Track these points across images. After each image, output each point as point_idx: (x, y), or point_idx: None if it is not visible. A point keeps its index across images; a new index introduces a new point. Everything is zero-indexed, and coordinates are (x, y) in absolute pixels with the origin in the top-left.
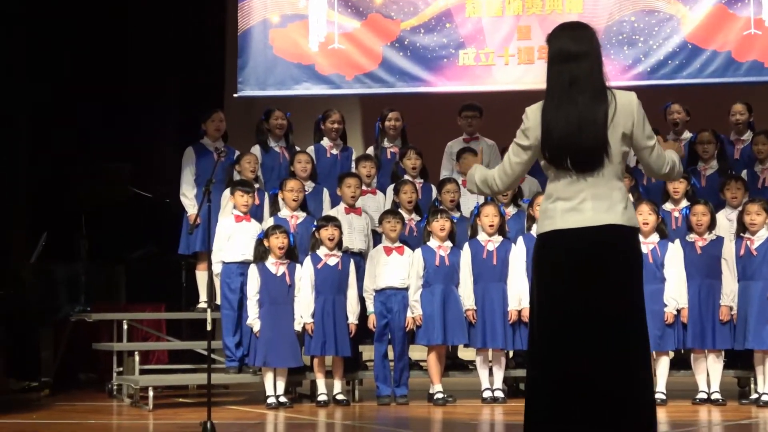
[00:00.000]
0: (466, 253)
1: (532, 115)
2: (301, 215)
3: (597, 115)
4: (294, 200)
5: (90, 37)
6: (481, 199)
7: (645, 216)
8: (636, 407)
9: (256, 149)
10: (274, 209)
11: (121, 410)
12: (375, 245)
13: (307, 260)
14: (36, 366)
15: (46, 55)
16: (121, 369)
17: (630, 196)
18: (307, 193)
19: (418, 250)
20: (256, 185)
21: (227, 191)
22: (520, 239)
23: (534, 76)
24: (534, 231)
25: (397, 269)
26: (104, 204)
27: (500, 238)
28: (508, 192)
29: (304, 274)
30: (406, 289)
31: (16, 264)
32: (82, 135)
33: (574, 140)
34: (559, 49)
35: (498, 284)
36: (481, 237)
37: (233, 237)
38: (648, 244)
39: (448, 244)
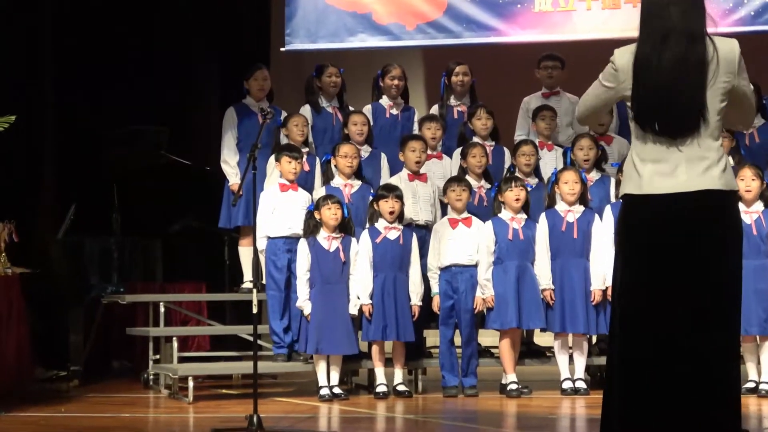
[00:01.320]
0: (542, 226)
1: (622, 58)
2: (357, 183)
3: (694, 71)
4: (349, 167)
5: None
6: (560, 163)
7: (747, 182)
8: (721, 399)
9: (306, 110)
10: (327, 177)
11: (158, 402)
12: (443, 216)
13: (365, 234)
14: (65, 353)
15: (71, 5)
16: (158, 356)
17: (729, 158)
18: (363, 158)
19: (489, 223)
20: (306, 150)
21: (273, 157)
22: (607, 209)
23: (621, 23)
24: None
25: (465, 244)
26: (138, 173)
27: (582, 208)
28: (589, 127)
29: (361, 250)
30: (475, 266)
31: (42, 239)
32: (112, 95)
33: (667, 101)
34: None
35: (579, 260)
36: (560, 207)
37: (279, 208)
38: (751, 213)
39: (523, 215)
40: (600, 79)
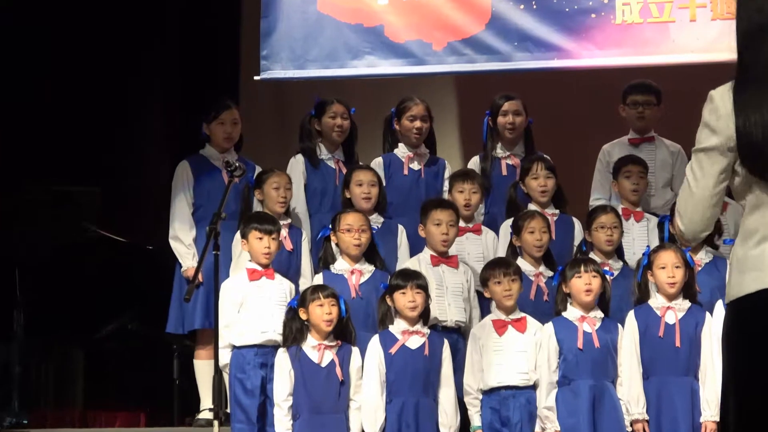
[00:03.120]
0: (630, 329)
1: (721, 99)
2: (368, 269)
3: None
4: (355, 245)
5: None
6: (654, 239)
7: None
8: None
9: (297, 163)
10: (326, 259)
11: None
12: (483, 316)
13: (374, 342)
14: None
15: None
16: None
17: None
18: (373, 231)
19: (550, 325)
20: (285, 222)
21: (239, 233)
22: (720, 305)
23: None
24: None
25: (516, 356)
26: (53, 252)
27: (687, 304)
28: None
29: (368, 364)
30: (533, 387)
31: None
32: (23, 141)
33: None
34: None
35: (683, 379)
36: (656, 302)
37: (248, 305)
38: None
39: (598, 313)
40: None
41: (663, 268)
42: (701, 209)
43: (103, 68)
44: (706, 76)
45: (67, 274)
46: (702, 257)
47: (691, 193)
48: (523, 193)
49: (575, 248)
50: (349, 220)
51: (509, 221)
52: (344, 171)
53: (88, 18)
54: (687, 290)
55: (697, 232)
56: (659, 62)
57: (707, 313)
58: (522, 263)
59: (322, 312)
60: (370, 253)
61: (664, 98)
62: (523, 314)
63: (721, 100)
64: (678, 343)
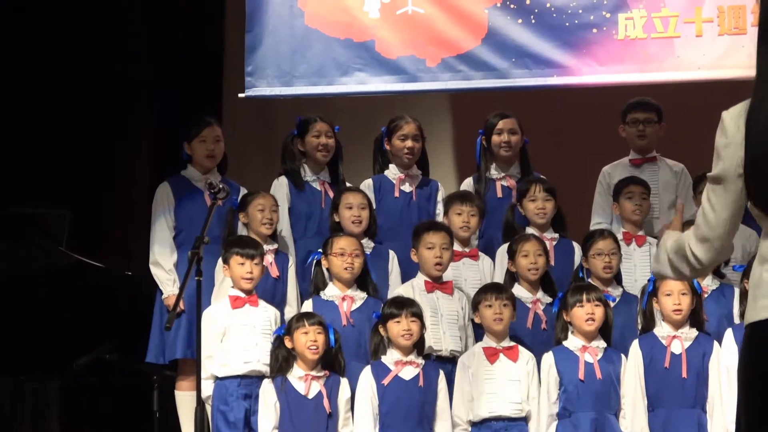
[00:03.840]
0: (634, 359)
1: (732, 123)
2: (360, 296)
3: None
4: (348, 270)
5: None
6: None
7: None
8: None
9: (280, 185)
10: (316, 285)
11: None
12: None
13: (365, 373)
14: None
15: None
16: None
17: None
18: (367, 257)
19: (550, 355)
20: (271, 247)
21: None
22: (728, 334)
23: (748, 56)
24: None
25: (509, 386)
26: (24, 279)
27: (694, 333)
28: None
29: (360, 396)
30: (525, 420)
31: None
32: None
33: None
34: None
35: (690, 412)
36: (661, 331)
37: (231, 334)
38: None
39: (601, 343)
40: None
41: (669, 295)
42: (719, 241)
43: (75, 83)
44: (712, 94)
45: (41, 301)
46: (708, 284)
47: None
48: (521, 216)
49: (573, 274)
50: (342, 243)
51: (506, 246)
52: (330, 193)
53: (58, 30)
54: (694, 318)
55: (712, 264)
56: (663, 79)
57: (715, 343)
58: (518, 290)
59: (307, 340)
60: (362, 280)
61: (668, 117)
62: (514, 343)
63: (731, 122)
64: (684, 374)
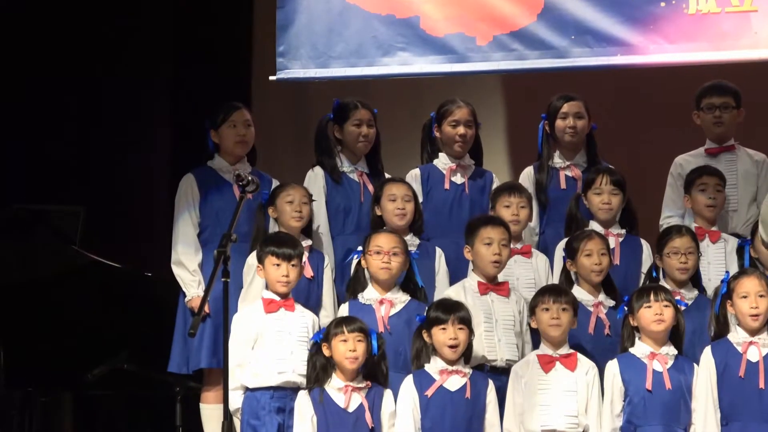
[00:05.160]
0: (706, 368)
1: None
2: (402, 299)
3: None
4: (386, 269)
5: None
6: (733, 264)
7: None
8: None
9: (316, 177)
10: (354, 288)
11: None
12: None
13: (407, 383)
14: None
15: None
16: None
17: None
18: (414, 256)
19: (614, 363)
20: (307, 243)
21: (252, 256)
22: None
23: None
24: None
25: (564, 397)
26: (35, 281)
27: None
28: None
29: (402, 409)
30: None
31: None
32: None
33: None
34: None
35: None
36: (736, 337)
37: (264, 341)
38: None
39: (671, 350)
40: None
41: (745, 297)
42: None
43: (89, 68)
44: None
45: (54, 306)
46: None
47: None
48: (585, 210)
49: (643, 275)
50: (380, 241)
51: (563, 242)
52: (369, 185)
53: (73, 14)
54: None
55: None
56: (739, 58)
57: None
58: (578, 291)
59: (346, 349)
60: (406, 282)
61: (746, 102)
62: (572, 350)
63: None
64: (762, 385)
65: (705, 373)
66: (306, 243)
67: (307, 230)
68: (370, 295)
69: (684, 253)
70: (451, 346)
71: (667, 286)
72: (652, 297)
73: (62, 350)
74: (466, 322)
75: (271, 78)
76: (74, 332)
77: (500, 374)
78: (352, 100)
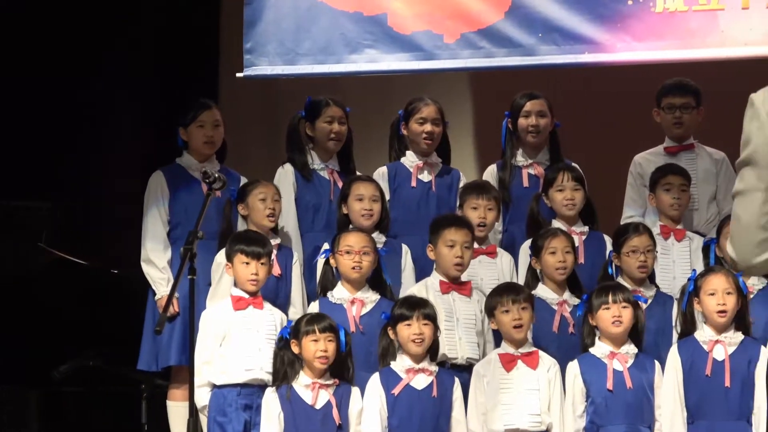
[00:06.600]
0: (673, 366)
1: (763, 104)
2: (371, 298)
3: None
4: (356, 269)
5: None
6: (698, 262)
7: None
8: None
9: (286, 174)
10: (324, 286)
11: None
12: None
13: (374, 381)
14: None
15: None
16: None
17: None
18: (382, 255)
19: (574, 364)
20: (276, 241)
21: (221, 254)
22: None
23: None
24: None
25: (527, 396)
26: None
27: (739, 336)
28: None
29: (369, 407)
30: None
31: None
32: None
33: None
34: None
35: (734, 424)
36: (702, 335)
37: (232, 338)
38: None
39: (631, 348)
40: (738, 162)
41: (712, 294)
42: (748, 232)
43: (57, 66)
44: (760, 73)
45: (17, 304)
46: (754, 283)
47: (737, 216)
48: (546, 208)
49: (602, 269)
50: (350, 240)
51: (529, 242)
52: (339, 183)
53: (43, 13)
54: (739, 321)
55: (748, 259)
56: (706, 56)
57: (762, 348)
58: (543, 290)
59: (316, 348)
60: (375, 280)
61: (711, 99)
62: (534, 348)
63: (763, 104)
64: (728, 383)
65: (671, 371)
66: (274, 241)
67: (275, 228)
68: (340, 294)
69: (643, 252)
70: (416, 341)
71: (626, 284)
72: (610, 297)
73: (28, 347)
74: (431, 318)
75: (238, 75)
76: (41, 329)
77: (461, 371)
78: (324, 97)
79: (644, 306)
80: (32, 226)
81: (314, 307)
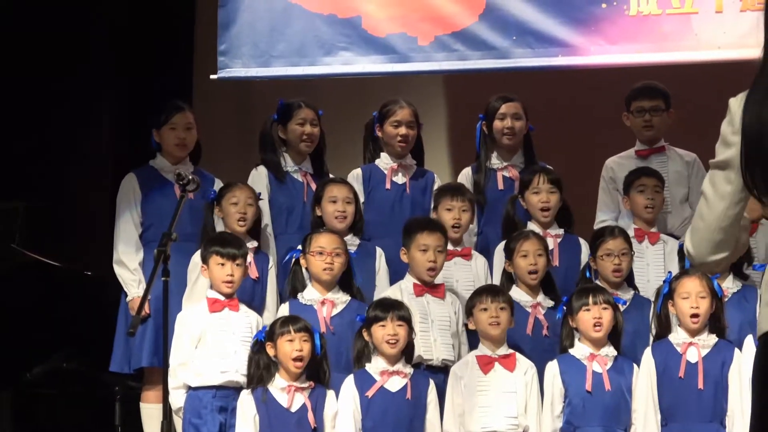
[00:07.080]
0: (646, 368)
1: (739, 108)
2: (342, 299)
3: None
4: (327, 271)
5: None
6: (672, 264)
7: None
8: None
9: (259, 176)
10: (294, 287)
11: None
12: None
13: (348, 383)
14: None
15: None
16: None
17: None
18: (353, 256)
19: (554, 364)
20: (252, 244)
21: (196, 256)
22: (750, 341)
23: None
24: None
25: (504, 398)
26: None
27: (713, 339)
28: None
29: (342, 411)
30: None
31: None
32: None
33: None
34: None
35: (707, 426)
36: (676, 337)
37: (207, 340)
38: None
39: (610, 351)
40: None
41: (686, 297)
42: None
43: (29, 66)
44: (732, 76)
45: None
46: (729, 286)
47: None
48: (522, 210)
49: (580, 273)
50: (321, 241)
51: (503, 244)
52: (313, 185)
53: (12, 7)
54: (713, 324)
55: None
56: (680, 59)
57: (736, 350)
58: (517, 292)
59: (292, 349)
60: (345, 281)
61: (684, 101)
62: (511, 351)
63: (738, 108)
64: (701, 385)
65: (645, 373)
66: (251, 244)
67: (254, 231)
68: (310, 295)
69: (618, 255)
70: (390, 342)
71: (604, 286)
72: (590, 299)
73: (1, 349)
74: (405, 319)
75: (212, 77)
76: (13, 331)
77: (437, 373)
78: (296, 100)
79: (622, 308)
80: (5, 228)
81: (284, 309)
